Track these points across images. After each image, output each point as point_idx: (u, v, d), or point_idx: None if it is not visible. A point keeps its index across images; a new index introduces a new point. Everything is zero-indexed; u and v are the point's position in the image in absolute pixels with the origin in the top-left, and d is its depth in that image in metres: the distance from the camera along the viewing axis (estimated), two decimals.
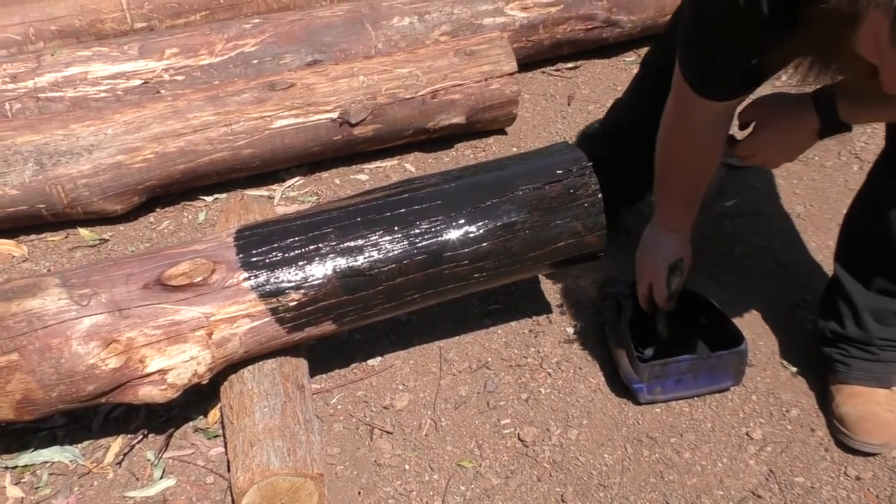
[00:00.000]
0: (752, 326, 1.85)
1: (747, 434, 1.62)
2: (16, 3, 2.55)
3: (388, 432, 1.64)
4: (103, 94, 2.33)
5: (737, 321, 1.73)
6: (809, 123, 1.44)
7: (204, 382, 1.48)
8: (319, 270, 1.47)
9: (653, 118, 1.63)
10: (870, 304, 1.58)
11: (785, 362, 1.77)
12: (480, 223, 1.56)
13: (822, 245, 2.07)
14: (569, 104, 2.71)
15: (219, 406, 1.61)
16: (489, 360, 1.80)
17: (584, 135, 2.08)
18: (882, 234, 1.51)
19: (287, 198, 2.29)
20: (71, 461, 1.57)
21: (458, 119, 2.39)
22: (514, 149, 2.50)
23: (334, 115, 2.23)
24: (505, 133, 2.57)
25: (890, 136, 1.51)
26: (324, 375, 1.76)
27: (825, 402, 1.67)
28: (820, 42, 1.14)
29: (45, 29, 2.54)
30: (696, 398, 1.69)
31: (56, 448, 1.59)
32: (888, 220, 1.49)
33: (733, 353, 1.63)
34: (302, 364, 1.62)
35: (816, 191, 2.29)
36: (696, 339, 1.77)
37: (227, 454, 1.54)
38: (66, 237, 2.15)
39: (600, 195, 1.62)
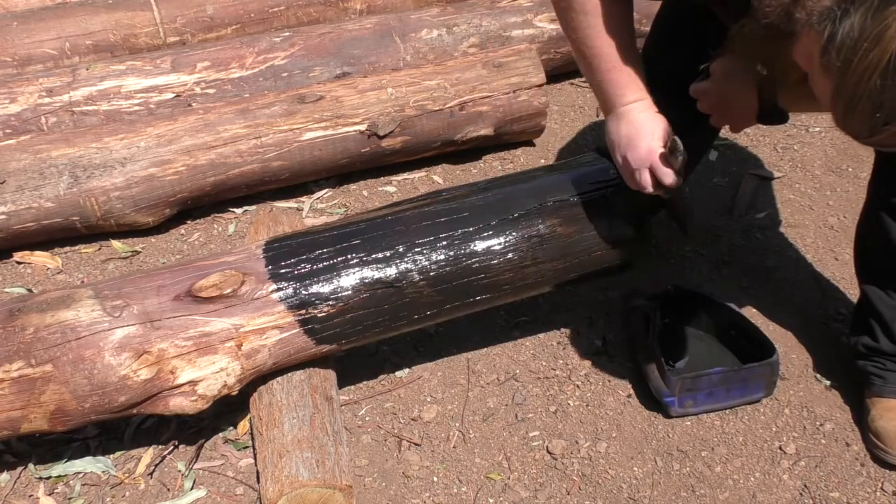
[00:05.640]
0: (784, 339, 1.83)
1: (780, 448, 1.60)
2: (52, 18, 2.60)
3: (416, 444, 1.64)
4: (136, 108, 2.36)
5: (769, 334, 1.71)
6: (749, 104, 1.40)
7: (234, 394, 1.49)
8: (348, 282, 1.48)
9: None
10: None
11: (819, 375, 1.75)
12: (508, 235, 1.55)
13: None
14: (598, 116, 2.70)
15: (248, 417, 1.62)
16: (517, 371, 1.79)
17: (600, 148, 2.08)
18: (885, 241, 1.51)
19: (316, 210, 2.31)
20: (103, 472, 1.59)
21: (486, 131, 2.39)
22: (543, 160, 2.50)
23: (363, 127, 2.25)
24: (533, 145, 2.57)
25: None
26: (352, 387, 1.77)
27: (860, 416, 1.64)
28: (758, 47, 1.15)
29: (80, 44, 2.59)
30: (727, 411, 1.67)
31: (89, 459, 1.60)
32: (886, 226, 1.50)
33: (765, 364, 1.62)
34: (330, 375, 1.63)
35: (850, 202, 2.25)
36: (726, 351, 1.76)
37: (256, 465, 1.55)
38: (99, 249, 2.18)
39: (629, 207, 1.61)
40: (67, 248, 2.18)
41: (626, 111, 1.41)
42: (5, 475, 1.58)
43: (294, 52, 2.49)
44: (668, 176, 1.40)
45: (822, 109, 1.25)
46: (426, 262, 1.52)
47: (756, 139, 2.54)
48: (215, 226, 2.27)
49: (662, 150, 1.39)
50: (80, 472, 1.59)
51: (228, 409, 1.67)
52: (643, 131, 1.40)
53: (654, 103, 1.43)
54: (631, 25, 1.41)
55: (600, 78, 1.41)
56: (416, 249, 1.52)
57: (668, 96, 1.61)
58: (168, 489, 1.56)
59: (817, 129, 2.57)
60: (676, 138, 1.39)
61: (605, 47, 1.38)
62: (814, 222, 2.19)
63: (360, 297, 1.48)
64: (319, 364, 1.60)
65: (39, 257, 2.14)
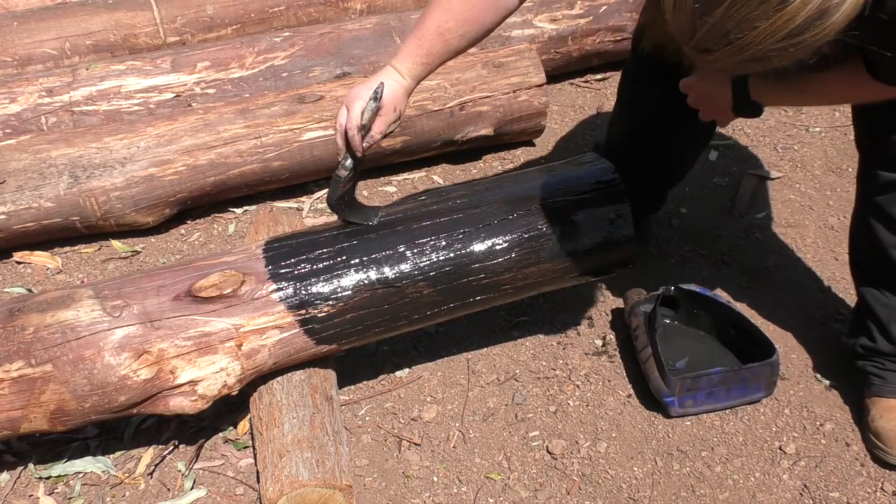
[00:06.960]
0: (784, 339, 1.83)
1: (780, 448, 1.60)
2: (52, 18, 2.59)
3: (416, 444, 1.64)
4: (136, 108, 2.36)
5: (769, 334, 1.71)
6: (725, 97, 1.44)
7: (234, 394, 1.48)
8: (347, 282, 1.48)
9: (638, 124, 1.74)
10: (893, 316, 1.57)
11: (818, 375, 1.75)
12: (508, 235, 1.55)
13: None
14: (598, 115, 2.70)
15: (248, 417, 1.62)
16: (517, 372, 1.79)
17: (599, 147, 2.09)
18: (875, 241, 1.53)
19: (316, 210, 2.30)
20: (103, 472, 1.59)
21: (486, 131, 2.39)
22: (543, 160, 2.50)
23: None
24: (533, 145, 2.57)
25: (859, 146, 1.56)
26: (352, 387, 1.77)
27: (860, 416, 1.64)
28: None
29: (80, 44, 2.59)
30: (727, 411, 1.67)
31: (89, 458, 1.61)
32: (873, 227, 1.52)
33: (765, 364, 1.61)
34: (330, 375, 1.63)
35: (850, 202, 2.22)
36: (726, 351, 1.76)
37: (256, 465, 1.55)
38: (99, 249, 2.18)
39: (629, 206, 1.61)
40: (67, 248, 2.18)
41: (387, 69, 1.47)
42: (5, 475, 1.58)
43: (294, 52, 2.49)
44: (351, 122, 1.45)
45: (794, 103, 1.27)
46: (426, 262, 1.51)
47: (756, 139, 2.54)
48: (215, 226, 2.27)
49: (371, 101, 1.43)
50: (80, 472, 1.59)
51: (228, 409, 1.67)
52: (371, 82, 1.45)
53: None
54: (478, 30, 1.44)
55: (416, 41, 1.45)
56: (416, 249, 1.52)
57: (663, 91, 1.62)
58: (168, 489, 1.56)
59: (817, 129, 2.57)
60: (381, 87, 1.43)
61: (432, 21, 1.42)
62: (814, 222, 2.19)
63: (360, 297, 1.48)
64: (319, 364, 1.60)
65: (39, 257, 2.14)
